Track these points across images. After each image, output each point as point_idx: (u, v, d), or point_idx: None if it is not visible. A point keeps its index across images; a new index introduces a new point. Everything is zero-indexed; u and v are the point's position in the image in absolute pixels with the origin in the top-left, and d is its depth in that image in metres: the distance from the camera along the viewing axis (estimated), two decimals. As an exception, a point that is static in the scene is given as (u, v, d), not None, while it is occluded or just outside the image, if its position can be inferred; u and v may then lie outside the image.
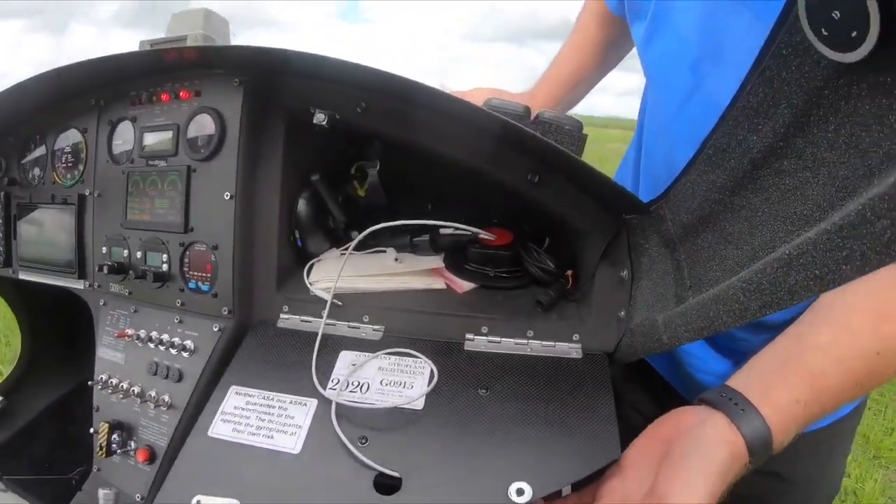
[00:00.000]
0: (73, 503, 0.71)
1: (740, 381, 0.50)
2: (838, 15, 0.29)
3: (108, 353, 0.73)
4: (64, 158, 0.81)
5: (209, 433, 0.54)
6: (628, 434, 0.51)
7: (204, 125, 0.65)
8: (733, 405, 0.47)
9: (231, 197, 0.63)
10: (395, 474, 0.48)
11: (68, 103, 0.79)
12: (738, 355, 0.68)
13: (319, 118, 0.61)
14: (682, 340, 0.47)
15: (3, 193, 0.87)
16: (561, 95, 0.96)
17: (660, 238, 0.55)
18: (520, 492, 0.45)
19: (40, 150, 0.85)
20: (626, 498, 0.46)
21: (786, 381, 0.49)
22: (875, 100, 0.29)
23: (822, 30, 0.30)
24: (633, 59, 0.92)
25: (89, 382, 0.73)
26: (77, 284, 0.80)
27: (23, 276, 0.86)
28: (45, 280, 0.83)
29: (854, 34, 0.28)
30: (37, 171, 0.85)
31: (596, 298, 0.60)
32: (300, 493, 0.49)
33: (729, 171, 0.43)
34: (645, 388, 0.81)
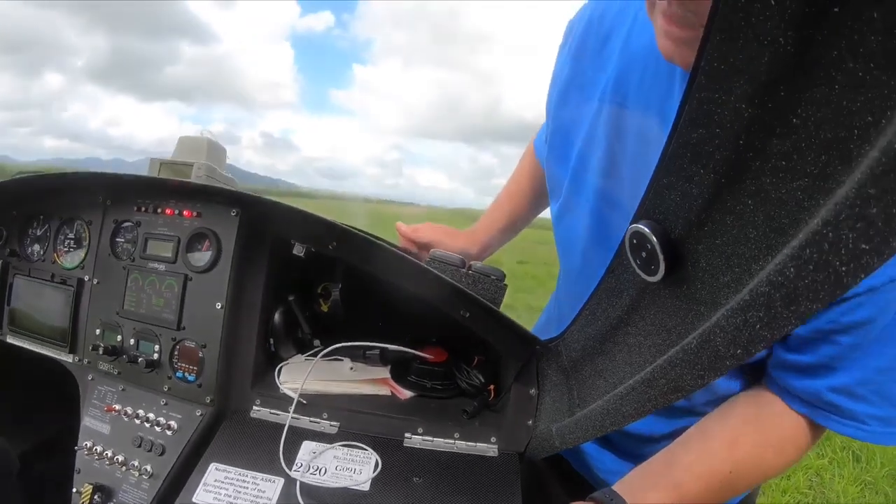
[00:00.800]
0: None
1: (622, 485, 0.65)
2: (644, 255, 0.47)
3: (93, 424, 0.82)
4: (66, 243, 0.94)
5: (194, 500, 0.66)
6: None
7: (202, 243, 0.80)
8: (611, 502, 0.62)
9: (222, 307, 0.78)
10: None
11: (78, 196, 0.92)
12: (628, 456, 0.84)
13: (298, 250, 0.77)
14: (569, 444, 0.64)
15: (1, 262, 0.97)
16: (498, 235, 1.13)
17: (558, 367, 0.72)
18: None
19: (42, 230, 0.97)
20: None
21: (655, 488, 0.64)
22: (669, 300, 0.47)
23: (637, 260, 0.49)
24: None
25: (75, 448, 0.81)
26: (66, 358, 0.90)
27: (11, 339, 0.96)
28: (35, 348, 0.93)
29: (653, 266, 0.46)
30: (37, 247, 0.97)
31: (510, 410, 0.76)
32: None
33: (598, 328, 0.62)
34: (562, 478, 0.96)
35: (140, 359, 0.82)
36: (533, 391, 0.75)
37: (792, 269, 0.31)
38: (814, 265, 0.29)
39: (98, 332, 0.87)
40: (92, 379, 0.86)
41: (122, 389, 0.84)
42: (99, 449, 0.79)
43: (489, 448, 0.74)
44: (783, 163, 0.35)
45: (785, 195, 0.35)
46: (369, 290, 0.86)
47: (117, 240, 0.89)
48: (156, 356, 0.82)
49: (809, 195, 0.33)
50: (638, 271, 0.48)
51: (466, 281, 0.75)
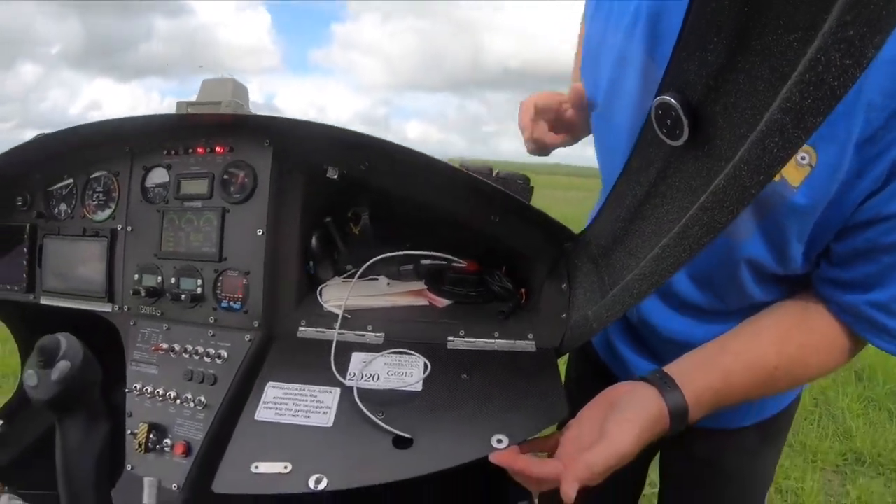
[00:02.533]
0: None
1: (672, 367, 0.71)
2: (669, 122, 0.56)
3: (140, 367, 0.87)
4: (95, 197, 0.99)
5: (256, 417, 0.73)
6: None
7: (237, 175, 0.87)
8: (663, 383, 0.68)
9: (263, 233, 0.85)
10: (408, 436, 0.68)
11: (101, 149, 0.97)
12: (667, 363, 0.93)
13: (332, 173, 0.84)
14: (606, 323, 0.72)
15: (28, 225, 1.03)
16: None
17: (588, 258, 0.81)
18: (499, 441, 0.67)
19: (68, 189, 1.02)
20: (581, 438, 0.67)
21: (704, 373, 0.70)
22: (693, 163, 0.56)
23: (663, 129, 0.57)
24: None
25: (126, 390, 0.86)
26: (105, 308, 0.96)
27: (45, 301, 1.01)
28: (71, 305, 0.99)
29: (677, 132, 0.55)
30: (63, 206, 1.02)
31: (544, 306, 0.86)
32: (337, 453, 0.68)
33: (626, 207, 0.70)
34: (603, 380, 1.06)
35: (183, 296, 0.89)
36: (564, 286, 0.84)
37: (797, 94, 0.40)
38: (814, 86, 0.38)
39: (136, 277, 0.93)
40: (134, 324, 0.92)
41: (167, 329, 0.89)
42: (149, 389, 0.84)
43: (528, 344, 0.84)
44: (781, 21, 0.44)
45: (784, 47, 0.44)
46: (397, 213, 0.93)
47: (148, 185, 0.95)
48: (199, 290, 0.88)
49: (803, 43, 0.41)
50: (664, 139, 0.57)
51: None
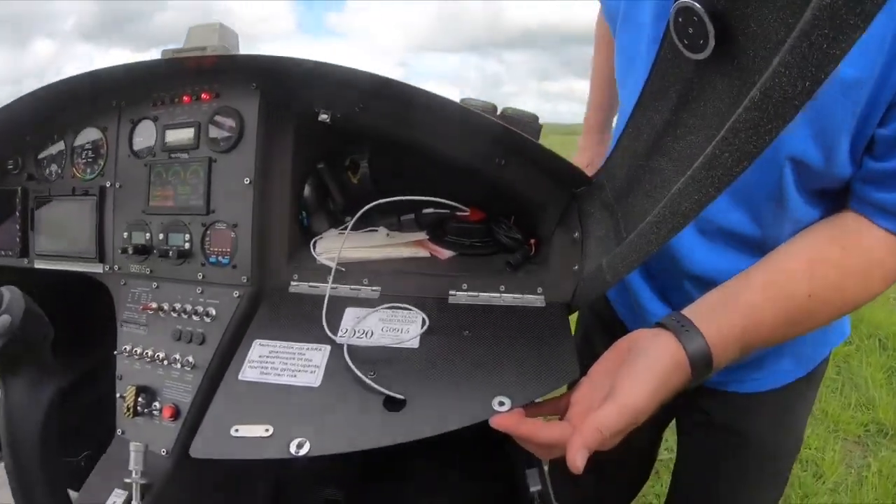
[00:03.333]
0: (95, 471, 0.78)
1: (690, 310, 0.62)
2: (691, 31, 0.48)
3: (130, 328, 0.84)
4: (84, 154, 0.95)
5: (239, 377, 0.69)
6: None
7: (224, 122, 0.82)
8: (680, 326, 0.59)
9: (250, 182, 0.80)
10: (400, 396, 0.63)
11: (88, 105, 0.93)
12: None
13: (324, 117, 0.78)
14: (621, 275, 0.65)
15: (20, 188, 0.99)
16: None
17: (601, 203, 0.74)
18: (501, 403, 0.60)
19: (58, 148, 0.98)
20: (592, 396, 0.59)
21: (726, 311, 0.60)
22: (721, 80, 0.48)
23: (684, 40, 0.50)
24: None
25: (115, 353, 0.83)
26: (96, 269, 0.92)
27: (38, 265, 0.98)
28: (63, 267, 0.95)
29: (701, 42, 0.48)
30: (54, 167, 0.98)
31: (554, 258, 0.79)
32: (323, 415, 0.64)
33: (644, 142, 0.63)
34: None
35: (171, 252, 0.84)
36: (577, 235, 0.77)
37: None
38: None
39: (126, 234, 0.89)
40: (124, 284, 0.89)
41: (156, 287, 0.86)
42: (139, 350, 0.80)
43: (536, 299, 0.77)
44: None
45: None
46: (398, 161, 0.87)
47: (136, 138, 0.90)
48: (187, 245, 0.84)
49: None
50: (685, 52, 0.50)
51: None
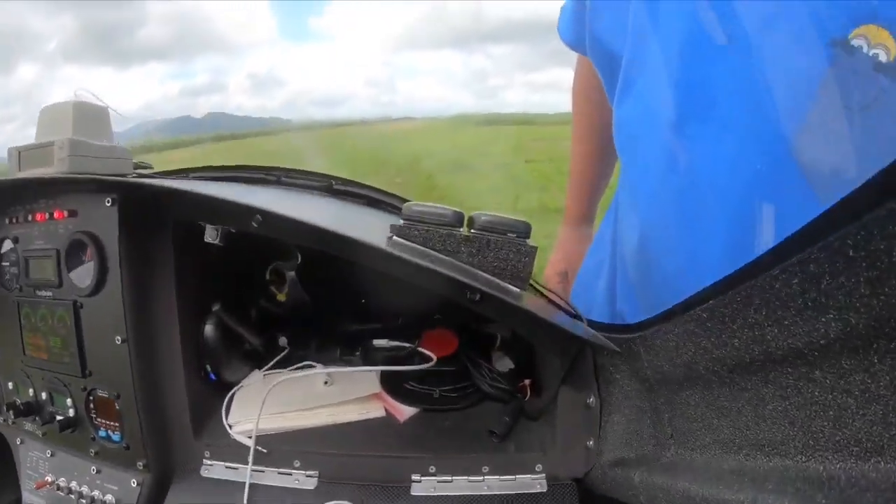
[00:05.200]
0: None
1: None
2: None
3: (31, 498, 0.67)
4: None
5: None
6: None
7: (81, 253, 0.58)
8: None
9: (123, 341, 0.56)
10: None
11: None
12: None
13: (211, 234, 0.53)
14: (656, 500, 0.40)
15: None
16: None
17: (632, 373, 0.47)
18: None
19: None
20: None
21: None
22: None
23: None
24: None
25: None
26: None
27: None
28: None
29: None
30: None
31: (560, 422, 0.52)
32: None
33: (731, 348, 0.36)
34: None
35: (58, 416, 0.64)
36: (591, 400, 0.51)
37: None
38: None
39: (11, 385, 0.69)
40: (21, 442, 0.70)
41: (51, 455, 0.66)
42: None
43: (535, 480, 0.52)
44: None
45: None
46: (336, 268, 0.63)
47: (3, 264, 0.68)
48: (71, 412, 0.63)
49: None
50: None
51: (469, 249, 0.49)
